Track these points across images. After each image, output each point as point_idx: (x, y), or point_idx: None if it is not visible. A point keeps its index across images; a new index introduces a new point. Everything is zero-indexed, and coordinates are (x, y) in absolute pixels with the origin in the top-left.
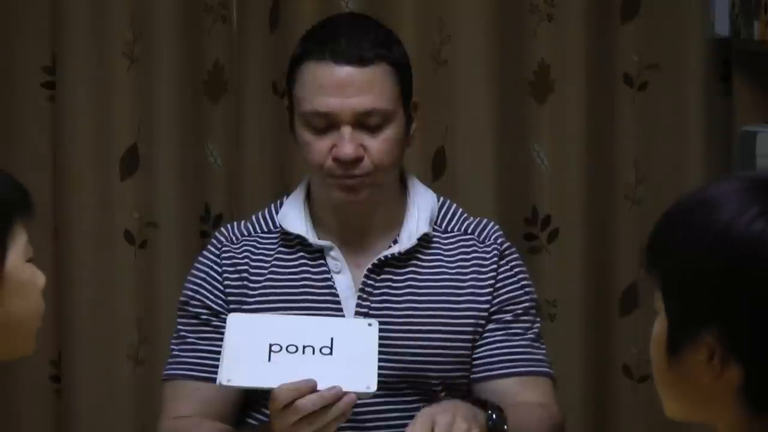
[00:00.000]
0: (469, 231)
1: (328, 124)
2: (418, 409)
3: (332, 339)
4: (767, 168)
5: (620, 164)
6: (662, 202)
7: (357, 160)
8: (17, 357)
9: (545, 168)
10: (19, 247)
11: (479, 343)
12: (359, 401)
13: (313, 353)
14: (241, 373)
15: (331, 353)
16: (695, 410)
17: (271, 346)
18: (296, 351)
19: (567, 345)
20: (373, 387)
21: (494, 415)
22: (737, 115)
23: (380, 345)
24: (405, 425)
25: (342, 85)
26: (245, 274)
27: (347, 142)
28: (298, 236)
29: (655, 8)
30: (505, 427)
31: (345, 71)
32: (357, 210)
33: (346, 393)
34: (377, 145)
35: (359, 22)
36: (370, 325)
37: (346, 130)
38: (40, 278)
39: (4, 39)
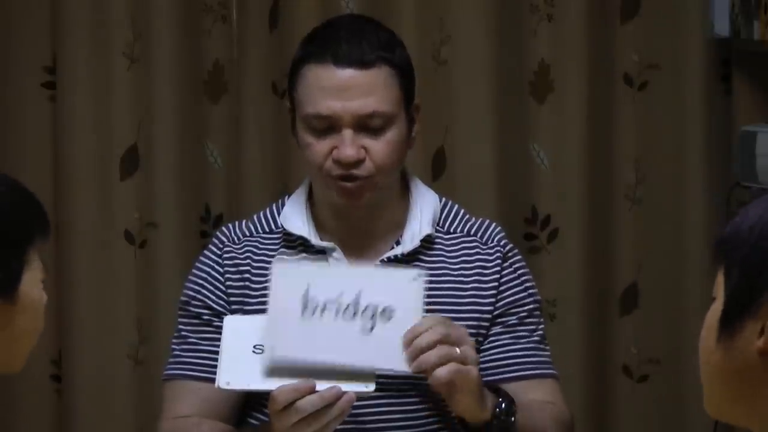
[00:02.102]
0: (472, 232)
1: (328, 126)
2: (419, 409)
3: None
4: (767, 168)
5: (620, 164)
6: (662, 202)
7: (358, 162)
8: (7, 372)
9: (545, 168)
10: (34, 268)
11: (485, 346)
12: (359, 401)
13: None
14: (240, 376)
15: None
16: (738, 400)
17: (268, 347)
18: None
19: (567, 345)
20: (372, 386)
21: (504, 404)
22: (737, 115)
23: None
24: (406, 426)
25: (343, 88)
26: (247, 275)
27: (348, 145)
28: (300, 237)
29: (655, 8)
30: (512, 419)
31: (346, 74)
32: (358, 212)
33: (345, 393)
34: (379, 147)
35: (361, 24)
36: (415, 279)
37: (347, 133)
38: (44, 298)
39: (4, 39)
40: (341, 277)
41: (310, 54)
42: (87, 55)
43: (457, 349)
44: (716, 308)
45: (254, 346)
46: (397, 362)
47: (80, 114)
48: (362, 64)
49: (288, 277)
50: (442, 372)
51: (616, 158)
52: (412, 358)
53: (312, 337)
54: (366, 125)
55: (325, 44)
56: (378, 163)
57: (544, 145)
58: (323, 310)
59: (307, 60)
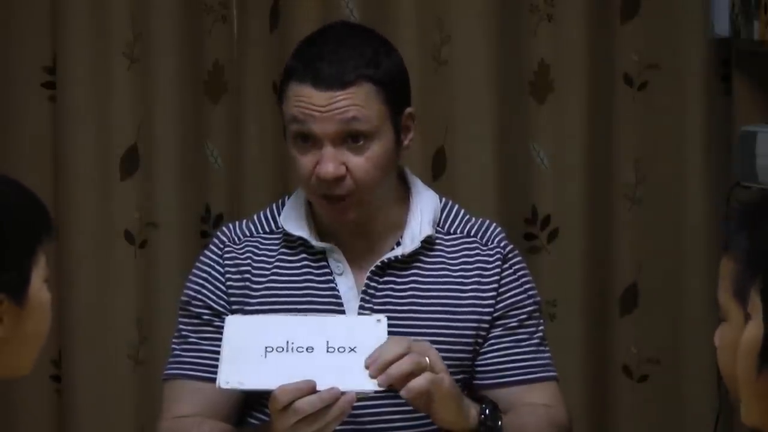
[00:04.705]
0: (472, 233)
1: (310, 141)
2: (418, 410)
3: (332, 339)
4: (767, 168)
5: (620, 164)
6: (662, 202)
7: (338, 179)
8: (17, 376)
9: (545, 168)
10: (40, 269)
11: (486, 349)
12: (359, 402)
13: (312, 353)
14: (241, 375)
15: (331, 353)
16: None
17: (269, 347)
18: (295, 351)
19: (567, 345)
20: (373, 387)
21: (487, 410)
22: (737, 115)
23: None
24: (405, 426)
25: (322, 109)
26: (247, 275)
27: (328, 162)
28: (300, 238)
29: (655, 8)
30: (499, 423)
31: (324, 96)
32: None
33: (344, 393)
34: (360, 163)
35: (345, 39)
36: (379, 321)
37: (328, 149)
38: (49, 298)
39: (4, 39)
40: (303, 325)
41: (293, 71)
42: (87, 55)
43: (426, 359)
44: (754, 333)
45: (256, 346)
46: (363, 382)
47: (80, 114)
48: (341, 84)
49: (240, 326)
50: (417, 382)
51: (616, 158)
52: (380, 371)
53: (274, 369)
54: (347, 141)
55: (306, 63)
56: (358, 180)
57: (544, 145)
58: (284, 351)
59: (290, 77)
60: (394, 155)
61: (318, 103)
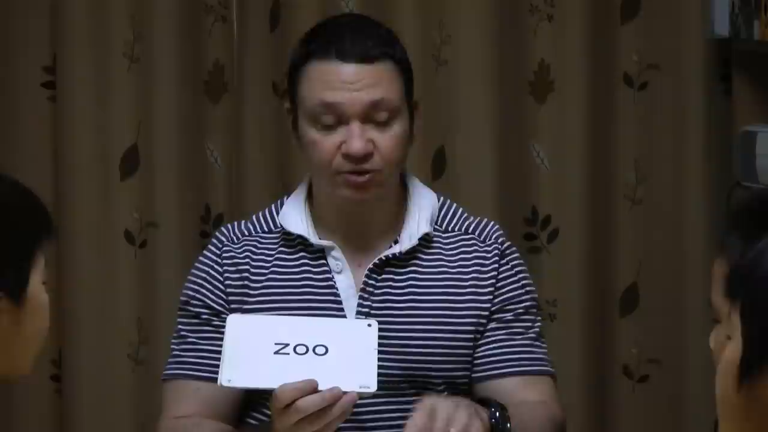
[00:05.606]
0: (470, 230)
1: (336, 119)
2: None
3: (332, 339)
4: (767, 168)
5: (620, 164)
6: (662, 202)
7: (367, 156)
8: (16, 374)
9: (545, 168)
10: (39, 270)
11: (480, 342)
12: (360, 401)
13: (314, 353)
14: (242, 374)
15: (331, 353)
16: None
17: (271, 346)
18: (296, 351)
19: (567, 345)
20: (373, 387)
21: (497, 413)
22: (737, 115)
23: (382, 344)
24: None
25: (349, 81)
26: (246, 274)
27: (357, 138)
28: (299, 236)
29: (655, 8)
30: (508, 425)
31: (352, 69)
32: (360, 209)
33: (346, 393)
34: (386, 140)
35: (360, 21)
36: (369, 325)
37: (355, 126)
38: (47, 299)
39: (4, 39)
40: (294, 325)
41: (313, 51)
42: (87, 55)
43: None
44: (733, 353)
45: (257, 345)
46: (360, 383)
47: (80, 114)
48: (367, 58)
49: (242, 325)
50: None
51: (616, 158)
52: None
53: (276, 367)
54: (372, 118)
55: (328, 41)
56: (385, 158)
57: (544, 145)
58: (280, 350)
59: (310, 57)
60: (408, 140)
61: (346, 79)
